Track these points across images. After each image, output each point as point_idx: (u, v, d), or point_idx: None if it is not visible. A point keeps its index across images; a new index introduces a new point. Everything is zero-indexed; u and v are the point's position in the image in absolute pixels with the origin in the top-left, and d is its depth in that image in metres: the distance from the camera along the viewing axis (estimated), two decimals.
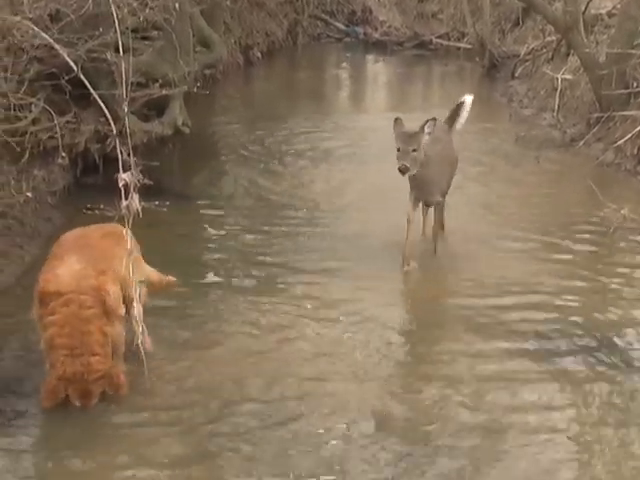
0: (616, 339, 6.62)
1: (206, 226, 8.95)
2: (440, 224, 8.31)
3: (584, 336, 6.67)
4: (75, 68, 5.11)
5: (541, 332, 6.71)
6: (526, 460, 5.20)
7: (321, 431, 5.43)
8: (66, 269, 5.63)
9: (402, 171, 7.47)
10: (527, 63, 16.41)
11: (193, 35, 11.24)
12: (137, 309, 4.52)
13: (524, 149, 11.87)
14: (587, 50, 12.09)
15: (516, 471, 5.13)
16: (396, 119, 7.69)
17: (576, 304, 7.26)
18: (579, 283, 7.67)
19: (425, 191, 7.98)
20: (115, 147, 8.54)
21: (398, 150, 7.53)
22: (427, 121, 7.59)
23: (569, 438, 5.43)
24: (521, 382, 6.04)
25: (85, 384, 5.46)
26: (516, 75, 16.51)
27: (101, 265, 5.73)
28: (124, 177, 4.46)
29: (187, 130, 10.87)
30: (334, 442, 5.34)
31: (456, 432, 5.45)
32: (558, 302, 7.26)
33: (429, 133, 7.58)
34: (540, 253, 8.36)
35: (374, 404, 5.75)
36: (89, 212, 8.66)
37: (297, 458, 5.19)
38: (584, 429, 5.56)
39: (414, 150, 7.51)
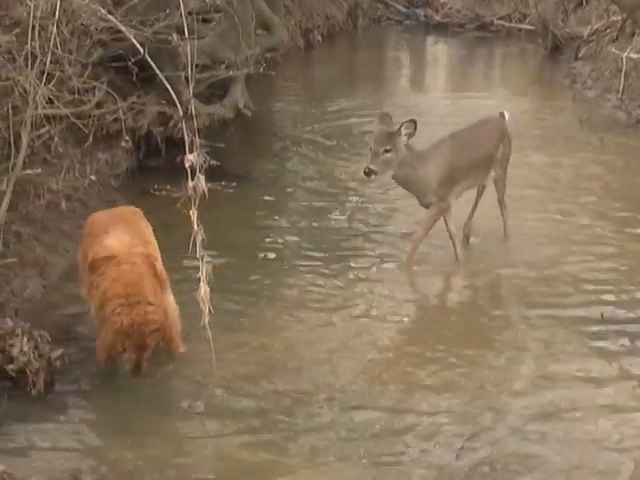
0: None
1: (268, 208, 8.97)
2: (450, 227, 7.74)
3: None
4: (142, 50, 5.13)
5: None
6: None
7: None
8: (114, 239, 5.76)
9: (366, 174, 7.20)
10: (591, 44, 16.15)
11: (254, 18, 11.22)
12: (203, 289, 4.53)
13: (588, 131, 11.72)
14: None
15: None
16: (382, 115, 7.45)
17: None
18: None
19: (413, 191, 7.68)
20: (179, 129, 8.78)
21: (370, 150, 7.26)
22: (405, 122, 7.29)
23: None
24: None
25: (142, 337, 5.47)
26: (580, 56, 16.26)
27: (144, 236, 5.91)
28: (190, 158, 4.47)
29: (249, 113, 10.87)
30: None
31: None
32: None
33: (408, 134, 7.27)
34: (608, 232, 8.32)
35: None
36: (156, 193, 8.75)
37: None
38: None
39: (386, 151, 7.20)
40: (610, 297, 7.01)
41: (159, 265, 5.79)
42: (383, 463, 5.03)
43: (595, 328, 6.49)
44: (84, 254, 5.96)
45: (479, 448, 5.11)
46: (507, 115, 8.11)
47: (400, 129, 7.25)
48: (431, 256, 7.75)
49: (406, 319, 6.76)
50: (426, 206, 7.64)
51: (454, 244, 7.66)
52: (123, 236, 5.78)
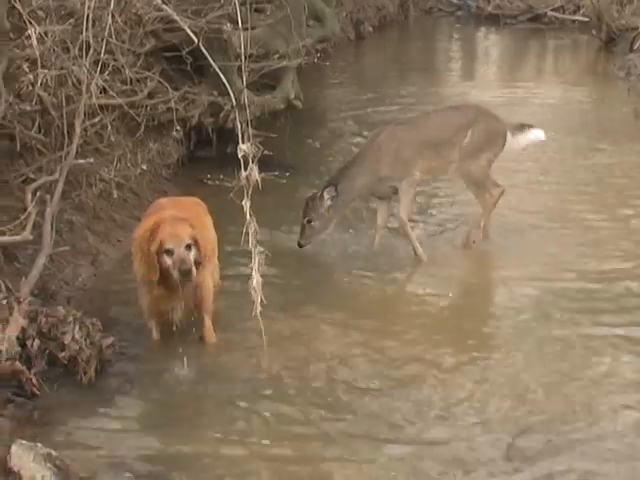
0: None
1: None
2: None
3: None
4: (196, 40, 5.13)
5: None
6: None
7: None
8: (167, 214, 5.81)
9: (299, 246, 7.48)
10: None
11: (306, 9, 11.19)
12: (256, 279, 4.53)
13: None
14: None
15: None
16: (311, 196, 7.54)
17: None
18: None
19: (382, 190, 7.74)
20: (230, 120, 8.79)
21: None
22: (327, 187, 7.46)
23: None
24: None
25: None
26: (635, 48, 16.02)
27: (198, 221, 5.94)
28: (243, 148, 4.46)
29: (299, 104, 10.84)
30: None
31: None
32: None
33: (330, 198, 7.41)
34: None
35: None
36: (209, 183, 8.77)
37: None
38: None
39: (309, 222, 7.43)
40: None
41: (204, 242, 5.81)
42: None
43: None
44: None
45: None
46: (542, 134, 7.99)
47: (322, 194, 7.42)
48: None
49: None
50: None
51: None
52: (177, 214, 5.84)
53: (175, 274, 5.61)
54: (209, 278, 6.06)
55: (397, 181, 7.61)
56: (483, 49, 20.37)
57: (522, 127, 7.94)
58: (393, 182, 7.62)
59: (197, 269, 5.69)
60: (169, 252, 5.62)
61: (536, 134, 7.98)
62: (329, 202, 7.44)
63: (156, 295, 5.82)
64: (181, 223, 5.70)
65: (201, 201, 6.40)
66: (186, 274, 5.58)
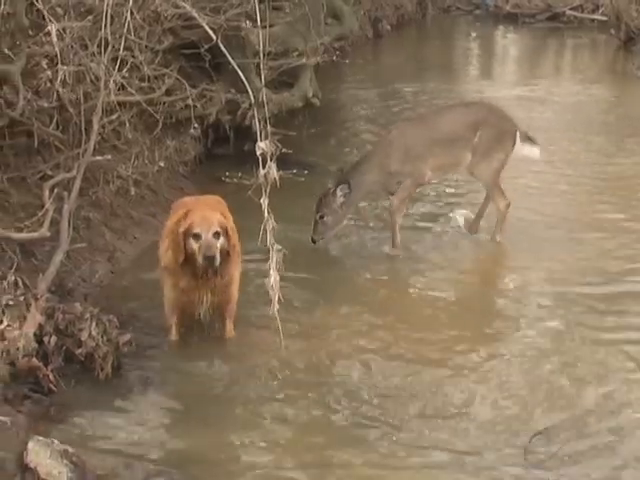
0: None
1: None
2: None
3: None
4: (214, 37, 5.12)
5: None
6: None
7: None
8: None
9: (313, 242, 7.55)
10: None
11: (324, 7, 11.18)
12: (274, 277, 4.52)
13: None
14: None
15: None
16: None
17: None
18: None
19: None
20: (249, 117, 8.78)
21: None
22: (341, 185, 7.53)
23: None
24: None
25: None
26: None
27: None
28: (262, 146, 4.45)
29: (317, 102, 10.84)
30: None
31: None
32: None
33: (343, 195, 7.50)
34: None
35: None
36: (227, 181, 8.76)
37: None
38: None
39: (321, 217, 7.53)
40: None
41: (234, 236, 5.83)
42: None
43: None
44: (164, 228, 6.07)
45: None
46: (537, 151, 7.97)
47: (335, 190, 7.50)
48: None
49: None
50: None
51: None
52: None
53: (200, 259, 5.60)
54: (237, 278, 6.03)
55: (407, 177, 7.60)
56: (501, 48, 20.31)
57: (526, 137, 7.88)
58: (403, 178, 7.61)
59: (225, 260, 5.69)
60: (197, 236, 5.63)
61: (533, 151, 7.92)
62: (342, 198, 7.51)
63: (181, 285, 5.81)
64: (213, 210, 5.72)
65: (222, 200, 6.39)
66: (210, 261, 5.58)
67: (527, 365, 5.90)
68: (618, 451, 5.00)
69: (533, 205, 8.48)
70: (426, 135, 7.70)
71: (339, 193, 7.50)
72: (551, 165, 9.70)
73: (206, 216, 5.67)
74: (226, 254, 5.70)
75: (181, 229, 5.65)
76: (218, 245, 5.62)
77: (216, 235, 5.63)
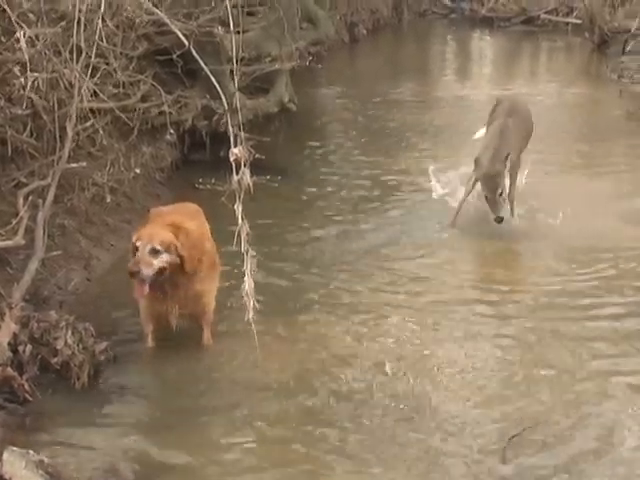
0: None
1: (311, 203, 8.91)
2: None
3: None
4: (187, 43, 5.11)
5: None
6: None
7: None
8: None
9: (498, 222, 7.82)
10: (639, 38, 15.96)
11: (299, 12, 11.19)
12: (248, 283, 4.52)
13: (636, 126, 11.57)
14: None
15: None
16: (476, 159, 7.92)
17: None
18: None
19: None
20: (223, 123, 8.76)
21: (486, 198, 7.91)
22: (503, 161, 7.93)
23: None
24: None
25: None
26: (627, 50, 16.09)
27: (200, 232, 5.95)
28: (235, 152, 4.45)
29: (293, 107, 10.84)
30: None
31: None
32: None
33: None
34: None
35: None
36: (200, 187, 8.74)
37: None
38: None
39: (500, 195, 7.88)
40: None
41: (209, 246, 5.87)
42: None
43: None
44: None
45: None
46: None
47: (503, 168, 7.89)
48: None
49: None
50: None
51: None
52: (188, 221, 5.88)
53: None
54: (210, 288, 6.00)
55: None
56: (477, 51, 20.40)
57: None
58: None
59: (181, 275, 5.69)
60: (136, 250, 5.63)
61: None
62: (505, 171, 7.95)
63: (148, 296, 5.79)
64: (164, 228, 5.69)
65: (200, 208, 6.37)
66: (132, 275, 5.58)
67: (503, 367, 5.90)
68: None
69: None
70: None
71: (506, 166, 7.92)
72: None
73: (150, 232, 5.67)
74: (181, 271, 5.68)
75: (132, 240, 5.68)
76: (155, 262, 5.59)
77: (153, 252, 5.60)
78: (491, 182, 7.87)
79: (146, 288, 5.62)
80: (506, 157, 7.91)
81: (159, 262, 5.61)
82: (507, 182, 8.08)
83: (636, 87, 14.11)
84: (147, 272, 5.57)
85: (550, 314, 6.56)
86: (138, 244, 5.62)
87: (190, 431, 5.20)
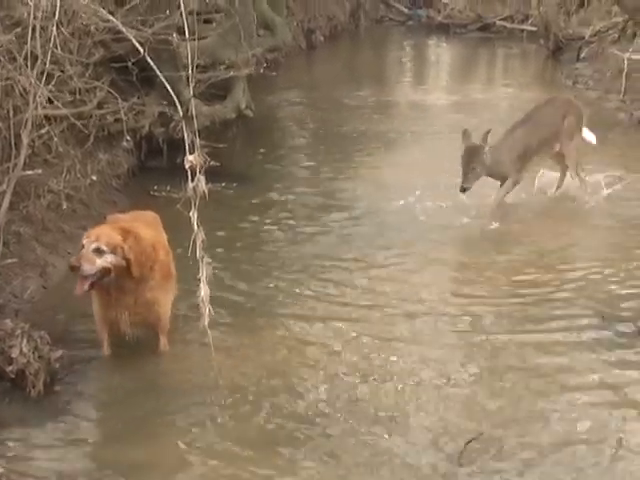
0: None
1: (267, 209, 8.90)
2: None
3: None
4: (142, 50, 5.11)
5: None
6: None
7: None
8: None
9: (462, 191, 8.36)
10: (593, 45, 16.18)
11: (256, 18, 11.22)
12: (204, 290, 4.52)
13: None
14: None
15: None
16: (464, 132, 8.45)
17: None
18: None
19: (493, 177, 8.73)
20: (179, 130, 8.76)
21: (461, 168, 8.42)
22: (484, 134, 8.41)
23: None
24: None
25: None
26: (581, 57, 16.28)
27: (159, 237, 5.99)
28: (190, 159, 4.46)
29: (250, 114, 10.87)
30: None
31: None
32: None
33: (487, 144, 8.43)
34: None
35: None
36: (156, 194, 8.72)
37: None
38: None
39: (473, 168, 8.33)
40: None
41: (164, 254, 5.87)
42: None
43: None
44: None
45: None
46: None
47: (483, 144, 8.37)
48: None
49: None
50: (502, 181, 8.72)
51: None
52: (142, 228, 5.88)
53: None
54: (164, 297, 5.97)
55: None
56: (434, 58, 20.56)
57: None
58: None
59: (129, 280, 5.68)
60: (82, 247, 5.64)
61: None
62: (487, 149, 8.39)
63: (99, 302, 5.81)
64: (113, 230, 5.69)
65: (157, 216, 6.37)
66: (72, 269, 5.60)
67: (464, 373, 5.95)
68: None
69: None
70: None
71: (486, 149, 8.35)
72: None
73: (98, 232, 5.68)
74: (128, 274, 5.68)
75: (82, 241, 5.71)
76: (98, 262, 5.59)
77: (97, 250, 5.60)
78: (466, 156, 8.37)
79: (86, 286, 5.62)
80: (487, 133, 8.40)
81: (102, 262, 5.59)
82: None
83: (590, 93, 14.25)
84: (87, 269, 5.56)
85: (513, 323, 6.60)
86: (84, 242, 5.63)
87: (147, 438, 5.19)
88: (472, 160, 8.32)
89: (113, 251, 5.61)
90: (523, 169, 8.80)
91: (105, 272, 5.63)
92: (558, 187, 9.16)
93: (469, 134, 8.42)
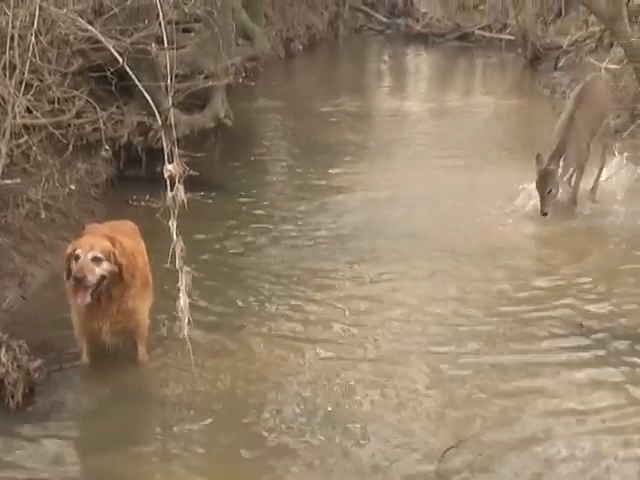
0: None
1: (247, 218, 8.91)
2: None
3: None
4: (120, 60, 5.12)
5: None
6: None
7: None
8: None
9: (543, 215, 8.53)
10: (570, 54, 16.27)
11: (235, 28, 11.24)
12: (183, 299, 4.52)
13: None
14: (632, 40, 11.92)
15: None
16: (537, 157, 8.60)
17: None
18: None
19: None
20: (158, 139, 8.77)
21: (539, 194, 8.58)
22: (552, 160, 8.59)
23: None
24: None
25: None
26: (559, 66, 16.37)
27: (138, 247, 5.99)
28: (169, 168, 4.46)
29: (229, 123, 10.88)
30: None
31: None
32: None
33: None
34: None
35: None
36: (134, 204, 8.70)
37: None
38: None
39: (550, 192, 8.53)
40: None
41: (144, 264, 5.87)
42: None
43: None
44: None
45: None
46: None
47: (555, 168, 8.54)
48: None
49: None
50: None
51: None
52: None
53: (71, 280, 5.60)
54: (143, 305, 5.97)
55: None
56: (413, 67, 20.63)
57: None
58: None
59: (118, 288, 5.68)
60: (77, 257, 5.61)
61: None
62: (559, 171, 8.59)
63: (81, 312, 5.79)
64: (103, 238, 5.70)
65: (135, 226, 6.36)
66: (79, 282, 5.55)
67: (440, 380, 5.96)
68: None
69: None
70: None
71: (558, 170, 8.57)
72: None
73: (91, 241, 5.68)
74: (118, 281, 5.69)
75: (67, 251, 5.68)
76: (97, 270, 5.60)
77: (95, 260, 5.60)
78: (541, 181, 8.53)
79: (88, 297, 5.61)
80: (560, 157, 8.59)
81: (101, 270, 5.60)
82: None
83: (568, 102, 14.29)
84: (91, 279, 5.56)
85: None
86: (78, 252, 5.59)
87: (126, 448, 5.18)
88: (548, 184, 8.52)
89: (108, 258, 5.62)
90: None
91: (102, 280, 5.64)
92: (601, 168, 9.40)
93: (542, 159, 8.57)
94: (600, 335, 6.45)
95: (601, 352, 6.23)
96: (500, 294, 7.20)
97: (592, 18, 15.10)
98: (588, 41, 15.82)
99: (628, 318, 6.70)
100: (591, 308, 6.93)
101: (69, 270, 5.64)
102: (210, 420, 5.43)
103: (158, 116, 5.04)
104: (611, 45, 14.08)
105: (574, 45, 16.27)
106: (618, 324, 6.62)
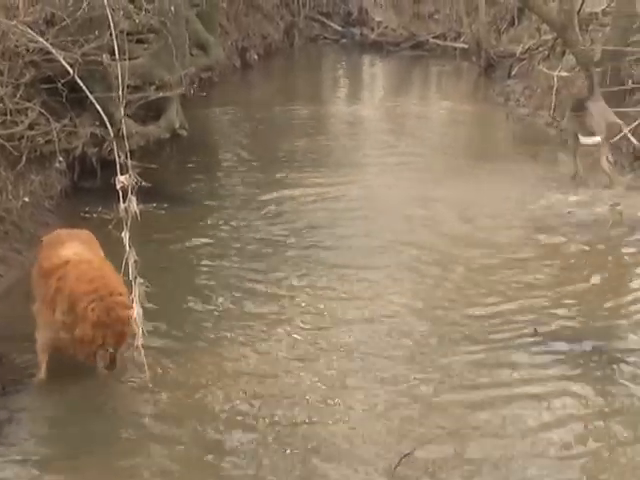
0: None
1: (200, 228, 8.86)
2: None
3: None
4: (71, 71, 5.10)
5: None
6: None
7: None
8: (70, 250, 5.78)
9: None
10: (523, 62, 16.42)
11: (189, 38, 11.23)
12: (137, 311, 4.51)
13: (522, 147, 11.91)
14: (582, 48, 12.08)
15: None
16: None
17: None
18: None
19: None
20: (112, 150, 8.72)
21: None
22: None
23: None
24: None
25: (121, 325, 5.45)
26: (512, 74, 16.52)
27: (99, 255, 5.96)
28: (122, 180, 4.46)
29: (184, 133, 10.86)
30: None
31: None
32: None
33: None
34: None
35: None
36: (88, 215, 8.65)
37: None
38: None
39: None
40: None
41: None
42: None
43: None
44: (39, 266, 5.94)
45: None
46: None
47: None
48: None
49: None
50: None
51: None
52: (79, 247, 5.85)
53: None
54: None
55: None
56: (368, 75, 20.72)
57: None
58: None
59: None
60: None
61: None
62: None
63: (52, 326, 5.72)
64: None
65: (92, 234, 6.34)
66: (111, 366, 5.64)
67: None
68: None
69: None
70: None
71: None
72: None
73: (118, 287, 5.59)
74: None
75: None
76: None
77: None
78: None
79: None
80: None
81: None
82: None
83: (521, 110, 14.47)
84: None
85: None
86: (91, 297, 5.48)
87: (84, 462, 5.15)
88: None
89: None
90: None
91: None
92: None
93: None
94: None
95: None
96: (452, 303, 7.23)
97: (544, 27, 15.25)
98: (541, 49, 15.96)
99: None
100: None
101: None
102: (169, 433, 5.41)
103: (110, 127, 5.03)
104: (563, 53, 14.23)
105: (527, 53, 16.42)
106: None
